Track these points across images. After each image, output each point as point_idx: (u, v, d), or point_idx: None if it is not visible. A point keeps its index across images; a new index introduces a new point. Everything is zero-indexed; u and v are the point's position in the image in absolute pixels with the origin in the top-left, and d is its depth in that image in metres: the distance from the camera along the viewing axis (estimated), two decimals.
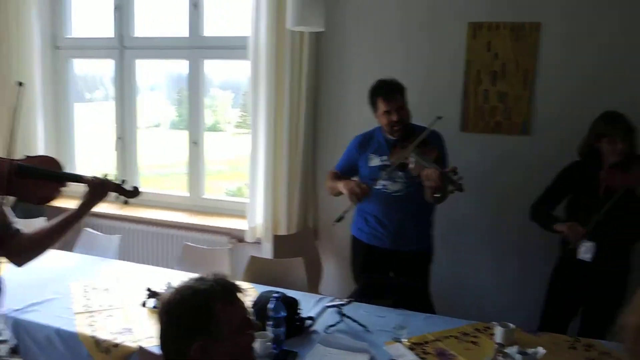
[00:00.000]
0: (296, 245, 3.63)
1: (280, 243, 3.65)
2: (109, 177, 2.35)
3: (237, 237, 3.96)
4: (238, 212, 4.10)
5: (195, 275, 1.41)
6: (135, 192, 2.49)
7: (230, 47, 3.95)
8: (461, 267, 3.54)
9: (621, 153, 2.63)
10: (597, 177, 2.71)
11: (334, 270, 3.75)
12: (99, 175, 2.32)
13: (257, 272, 3.04)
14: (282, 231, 3.77)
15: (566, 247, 2.80)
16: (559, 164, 2.88)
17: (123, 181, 2.47)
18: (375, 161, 2.93)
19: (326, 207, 3.77)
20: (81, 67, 4.75)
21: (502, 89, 3.31)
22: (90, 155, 4.83)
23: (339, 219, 2.85)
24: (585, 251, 2.72)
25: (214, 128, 4.70)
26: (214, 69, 4.33)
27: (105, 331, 2.35)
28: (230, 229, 3.98)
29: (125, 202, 2.47)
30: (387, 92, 2.82)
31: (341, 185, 2.89)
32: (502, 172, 3.38)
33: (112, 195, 2.39)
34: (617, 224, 2.65)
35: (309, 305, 2.62)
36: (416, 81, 3.35)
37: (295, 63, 3.54)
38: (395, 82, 2.86)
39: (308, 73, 3.56)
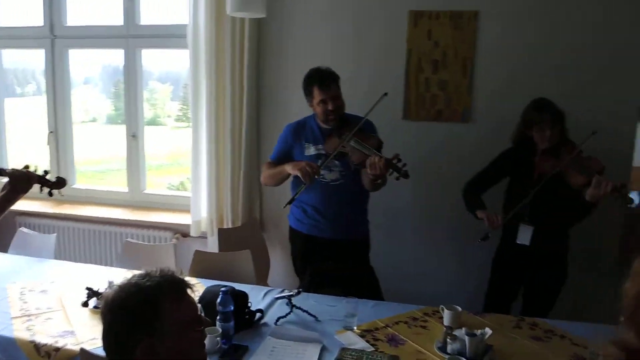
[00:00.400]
0: (242, 238, 3.57)
1: (226, 236, 3.59)
2: (31, 169, 2.24)
3: (181, 232, 3.88)
4: (181, 206, 4.01)
5: (139, 271, 1.34)
6: (60, 183, 2.39)
7: (168, 36, 3.84)
8: (402, 254, 3.59)
9: (551, 139, 2.70)
10: (532, 163, 2.79)
11: (282, 261, 3.72)
12: (21, 167, 2.22)
13: (203, 266, 2.97)
14: (227, 224, 3.72)
15: (506, 230, 2.89)
16: (498, 151, 2.94)
17: (46, 172, 2.37)
18: (310, 150, 2.91)
19: (272, 198, 3.74)
20: (11, 60, 4.51)
21: (443, 77, 3.35)
22: (24, 151, 4.60)
23: (291, 201, 2.85)
24: (523, 235, 2.80)
25: (153, 122, 4.58)
26: (152, 60, 4.20)
27: (45, 335, 2.23)
28: (173, 224, 3.90)
29: (50, 194, 2.37)
30: (322, 81, 2.80)
31: (289, 167, 2.85)
32: (443, 159, 3.44)
33: (37, 187, 2.32)
34: (550, 209, 2.74)
35: (257, 297, 2.60)
36: (358, 69, 3.37)
37: (236, 51, 3.47)
38: (330, 70, 2.84)
39: (249, 61, 3.49)
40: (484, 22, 3.26)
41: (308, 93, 2.87)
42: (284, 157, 2.99)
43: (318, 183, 2.84)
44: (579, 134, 2.69)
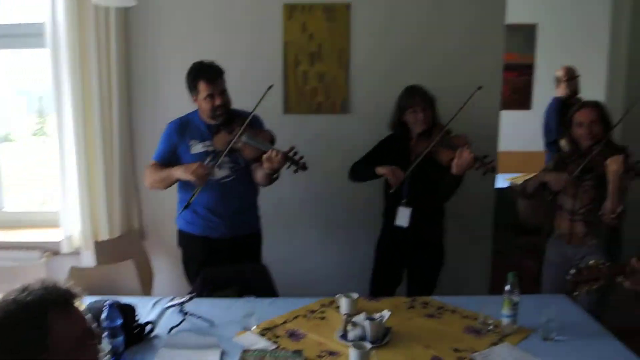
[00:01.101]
0: (121, 249, 3.35)
1: (103, 249, 3.34)
2: None
3: (51, 250, 3.54)
4: (48, 222, 3.67)
5: (15, 287, 1.17)
6: None
7: (23, 36, 3.46)
8: (292, 247, 3.58)
9: (424, 122, 2.85)
10: (408, 148, 2.92)
11: (167, 269, 3.53)
12: None
13: (81, 283, 2.68)
14: (104, 236, 3.45)
15: (387, 215, 2.99)
16: (378, 139, 3.04)
17: None
18: (197, 148, 2.80)
19: (151, 204, 3.55)
20: None
21: (320, 70, 3.38)
22: None
23: (187, 206, 2.72)
24: (402, 217, 2.91)
25: (5, 139, 4.14)
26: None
27: None
28: (41, 242, 3.54)
29: None
30: (209, 75, 2.70)
31: (180, 173, 2.70)
32: (325, 151, 3.46)
33: None
34: (425, 189, 2.87)
35: (146, 309, 2.44)
36: (236, 64, 3.26)
37: (102, 46, 3.22)
38: (216, 64, 2.75)
39: (118, 57, 3.26)
40: (356, 14, 3.33)
41: (193, 88, 2.75)
42: (169, 156, 2.84)
43: (209, 182, 2.73)
44: (448, 119, 2.84)
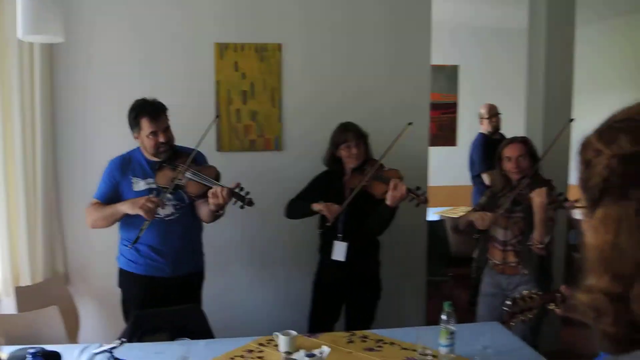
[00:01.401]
0: (45, 295, 3.16)
1: (25, 295, 3.14)
2: None
3: None
4: None
5: None
6: None
7: None
8: (225, 286, 3.52)
9: (357, 157, 2.93)
10: (342, 182, 2.98)
11: (94, 314, 3.37)
12: None
13: (2, 332, 2.56)
14: (26, 281, 3.25)
15: (323, 251, 3.02)
16: (312, 175, 3.08)
17: None
18: (140, 185, 2.73)
19: (76, 247, 3.40)
20: None
21: (253, 108, 3.42)
22: None
23: (136, 240, 2.63)
24: (338, 251, 2.94)
25: None
26: None
27: None
28: None
29: None
30: (152, 112, 2.66)
31: (127, 207, 2.62)
32: (259, 188, 3.42)
33: None
34: (361, 223, 2.92)
35: (72, 357, 2.30)
36: (168, 102, 3.24)
37: (26, 84, 3.10)
38: (159, 102, 2.73)
39: (42, 95, 3.15)
40: (287, 54, 3.41)
41: (135, 125, 2.69)
42: (111, 194, 2.75)
43: (153, 220, 2.65)
44: (379, 155, 2.93)
